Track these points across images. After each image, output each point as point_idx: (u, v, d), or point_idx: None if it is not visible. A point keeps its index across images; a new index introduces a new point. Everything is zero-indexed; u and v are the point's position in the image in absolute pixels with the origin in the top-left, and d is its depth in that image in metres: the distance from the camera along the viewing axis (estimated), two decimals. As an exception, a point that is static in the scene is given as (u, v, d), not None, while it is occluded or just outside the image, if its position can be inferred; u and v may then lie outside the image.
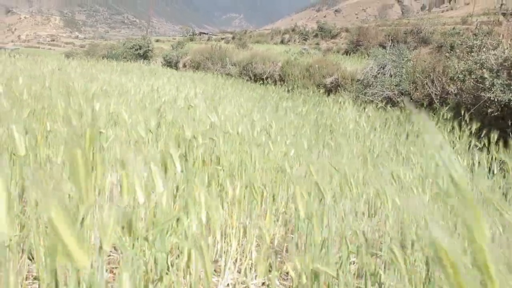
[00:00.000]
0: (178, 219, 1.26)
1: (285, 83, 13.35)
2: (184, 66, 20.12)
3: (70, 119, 1.97)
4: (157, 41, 78.75)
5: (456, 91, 7.75)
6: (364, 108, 7.71)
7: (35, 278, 1.56)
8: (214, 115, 3.39)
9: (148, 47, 23.66)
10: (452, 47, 15.13)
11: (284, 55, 16.85)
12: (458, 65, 7.49)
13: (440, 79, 8.41)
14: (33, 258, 1.59)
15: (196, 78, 12.27)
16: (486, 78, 6.53)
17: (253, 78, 14.71)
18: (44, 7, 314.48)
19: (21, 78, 3.46)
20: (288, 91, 12.14)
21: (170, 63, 20.82)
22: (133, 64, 16.23)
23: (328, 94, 11.65)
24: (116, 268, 1.67)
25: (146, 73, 11.22)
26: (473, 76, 6.94)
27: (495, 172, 3.80)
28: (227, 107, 4.57)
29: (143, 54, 23.24)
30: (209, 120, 3.33)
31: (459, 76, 7.32)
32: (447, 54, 9.65)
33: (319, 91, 11.78)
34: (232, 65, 16.47)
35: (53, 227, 0.47)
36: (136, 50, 23.22)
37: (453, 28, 29.39)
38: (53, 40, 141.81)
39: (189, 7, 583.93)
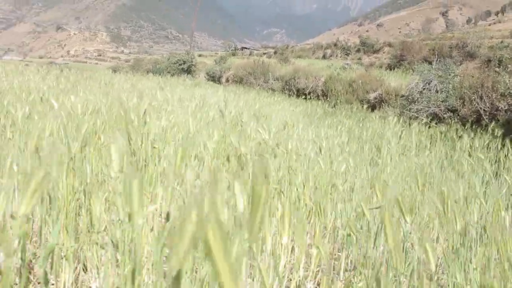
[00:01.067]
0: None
1: (328, 98, 13.31)
2: (227, 80, 20.37)
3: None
4: (199, 55, 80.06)
5: (507, 107, 7.53)
6: (410, 124, 7.58)
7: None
8: (263, 132, 3.42)
9: (192, 62, 24.05)
10: (500, 61, 14.73)
11: (326, 70, 16.81)
12: (509, 80, 7.29)
13: (489, 95, 8.18)
14: (86, 270, 1.66)
15: (240, 93, 12.40)
16: (540, 94, 6.33)
17: (296, 93, 14.74)
18: (92, 23, 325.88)
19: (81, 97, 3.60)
20: (332, 106, 12.09)
21: (214, 78, 21.16)
22: (178, 79, 16.56)
23: (372, 110, 11.53)
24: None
25: (192, 88, 11.43)
26: (525, 92, 6.74)
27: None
28: (273, 123, 4.61)
29: (186, 69, 23.63)
30: (258, 136, 3.37)
31: (511, 92, 7.12)
32: (496, 69, 9.41)
33: (363, 106, 11.67)
34: (274, 80, 16.56)
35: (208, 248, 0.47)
36: (180, 65, 23.62)
37: (501, 42, 28.62)
38: (100, 55, 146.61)
39: (231, 22, 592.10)
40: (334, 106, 12.22)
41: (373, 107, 11.93)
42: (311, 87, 14.32)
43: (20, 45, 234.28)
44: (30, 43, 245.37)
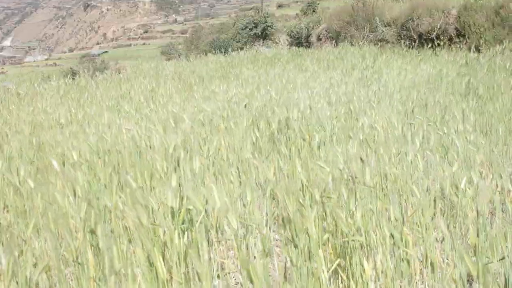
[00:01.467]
0: None
1: (466, 41, 12.90)
2: (319, 39, 20.22)
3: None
4: (279, 6, 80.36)
5: None
6: None
7: None
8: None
9: (266, 21, 23.91)
10: None
11: (457, -2, 16.18)
12: None
13: None
14: None
15: (333, 59, 12.34)
16: None
17: (417, 40, 14.41)
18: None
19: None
20: (475, 50, 11.68)
21: (299, 39, 20.90)
22: (247, 53, 16.74)
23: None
24: None
25: (262, 69, 11.58)
26: None
27: None
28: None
29: (261, 33, 23.63)
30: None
31: None
32: None
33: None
34: (385, 26, 16.27)
35: None
36: (251, 29, 23.65)
37: None
38: (146, 32, 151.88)
39: None
40: (478, 50, 11.82)
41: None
42: (439, 28, 13.91)
43: (43, 39, 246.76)
44: (54, 33, 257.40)
